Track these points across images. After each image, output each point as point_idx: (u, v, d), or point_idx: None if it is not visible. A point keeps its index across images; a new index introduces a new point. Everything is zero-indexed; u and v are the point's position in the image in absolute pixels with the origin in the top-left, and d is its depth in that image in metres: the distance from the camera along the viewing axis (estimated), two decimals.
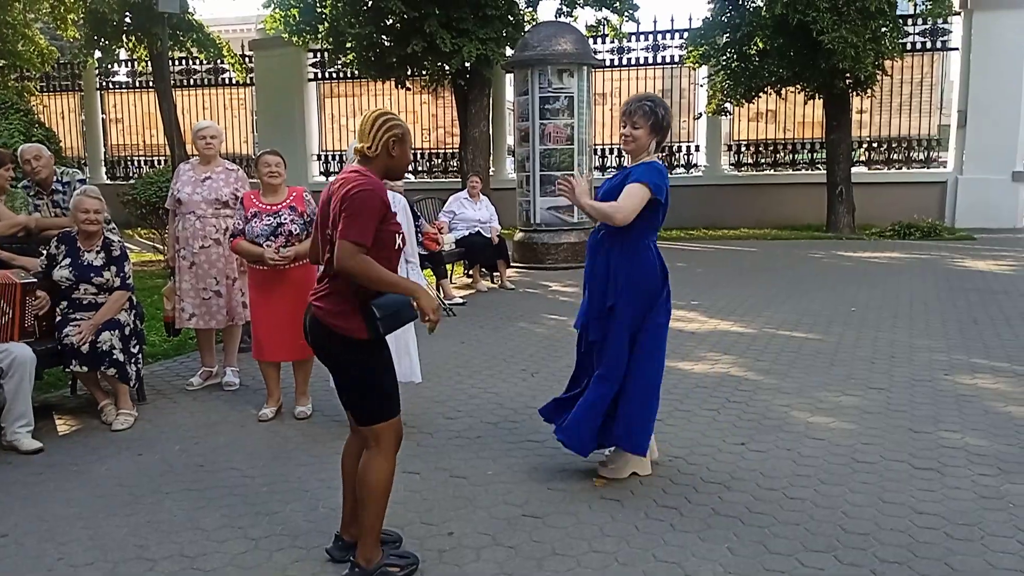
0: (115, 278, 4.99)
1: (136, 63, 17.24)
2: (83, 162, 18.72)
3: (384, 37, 13.93)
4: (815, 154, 15.71)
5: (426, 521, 3.52)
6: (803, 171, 15.77)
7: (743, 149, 16.28)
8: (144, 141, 18.86)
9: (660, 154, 3.90)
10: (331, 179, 3.06)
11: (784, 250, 12.42)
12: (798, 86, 13.74)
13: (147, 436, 4.72)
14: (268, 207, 4.91)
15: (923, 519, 3.42)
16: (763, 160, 16.16)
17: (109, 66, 17.86)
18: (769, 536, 3.32)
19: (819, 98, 13.90)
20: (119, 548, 3.34)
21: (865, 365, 5.83)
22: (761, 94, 14.04)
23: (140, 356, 5.15)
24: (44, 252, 5.05)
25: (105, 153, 19.11)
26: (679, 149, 16.40)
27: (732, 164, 16.33)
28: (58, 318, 4.91)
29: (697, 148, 16.45)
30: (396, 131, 2.93)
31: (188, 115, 17.46)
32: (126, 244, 5.26)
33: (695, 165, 16.40)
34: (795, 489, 3.76)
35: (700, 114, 15.46)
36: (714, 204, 15.54)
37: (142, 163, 18.64)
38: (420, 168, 17.44)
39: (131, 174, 18.24)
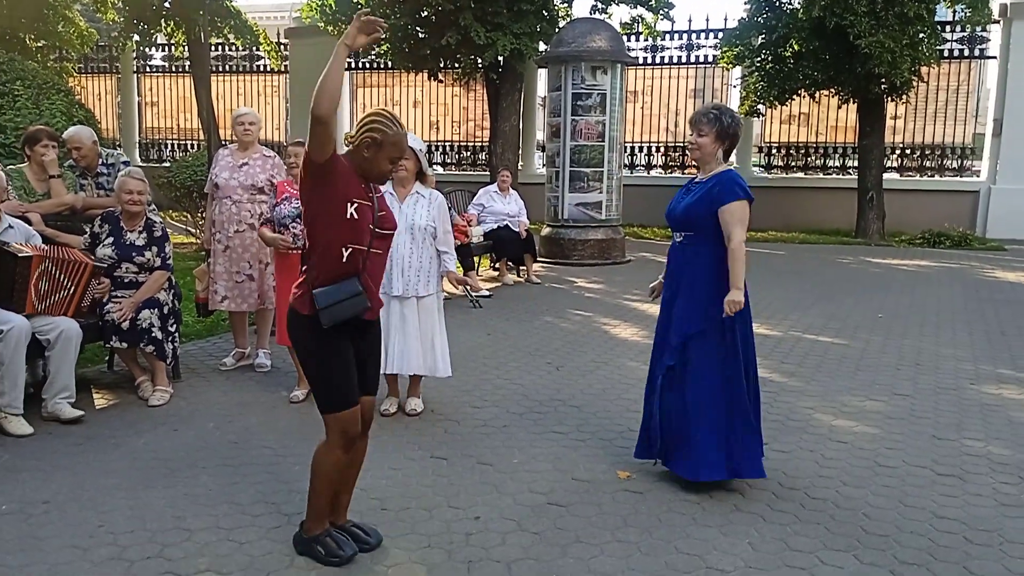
0: (156, 258, 5.12)
1: (173, 48, 17.44)
2: (118, 143, 18.97)
3: (419, 29, 14.03)
4: (847, 159, 15.61)
5: (453, 505, 3.61)
6: (834, 175, 15.69)
7: (774, 151, 16.21)
8: (178, 125, 19.11)
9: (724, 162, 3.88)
10: None
11: (812, 254, 12.39)
12: (832, 89, 13.65)
13: (182, 412, 4.85)
14: (297, 193, 5.02)
15: (943, 523, 3.46)
16: (794, 163, 16.08)
17: (146, 50, 18.09)
18: (790, 534, 3.37)
19: (853, 102, 13.81)
20: (158, 518, 3.46)
21: (890, 371, 5.84)
22: (795, 96, 13.97)
23: (177, 335, 5.28)
24: (88, 231, 5.19)
25: (140, 135, 19.38)
26: None
27: (762, 166, 16.27)
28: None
29: None
30: (375, 134, 2.88)
31: (222, 101, 17.67)
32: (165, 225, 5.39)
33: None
34: (817, 489, 3.81)
35: None
36: None
37: (176, 147, 18.90)
38: (449, 160, 17.54)
39: (164, 157, 18.50)
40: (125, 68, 19.06)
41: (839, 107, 14.51)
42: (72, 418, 4.57)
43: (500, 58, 13.67)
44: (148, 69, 19.22)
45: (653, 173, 16.60)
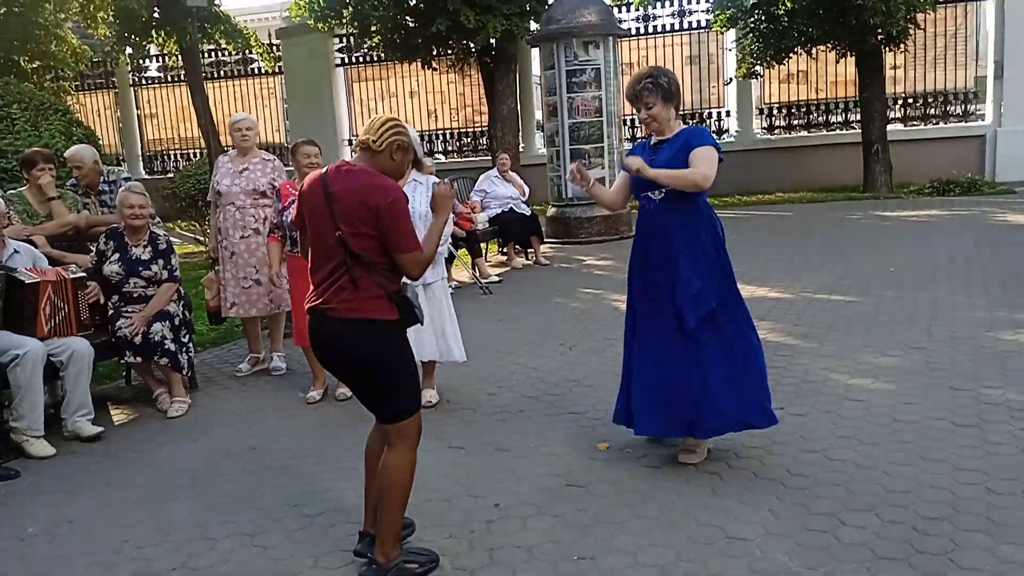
0: (162, 271, 5.15)
1: (167, 58, 17.45)
2: (121, 158, 19.04)
3: (408, 18, 13.96)
4: (849, 113, 15.45)
5: (472, 493, 3.63)
6: (837, 131, 15.50)
7: (775, 112, 16.05)
8: (179, 135, 19.12)
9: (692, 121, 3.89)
10: (314, 172, 3.02)
11: (820, 213, 12.29)
12: (828, 44, 13.48)
13: (201, 422, 4.89)
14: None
15: (964, 475, 3.44)
16: (796, 122, 15.91)
17: (141, 62, 18.08)
18: (810, 497, 3.37)
19: (851, 56, 13.63)
20: (181, 529, 3.50)
21: (904, 325, 5.80)
22: (791, 55, 13.81)
23: (190, 345, 5.32)
24: (93, 249, 5.23)
25: (142, 148, 19.43)
26: (709, 116, 16.23)
27: (764, 128, 16.12)
28: (110, 312, 5.09)
29: (728, 114, 16.26)
30: (402, 138, 2.97)
31: (220, 107, 17.68)
32: (170, 237, 5.42)
33: (726, 131, 16.23)
34: (835, 451, 3.80)
35: (730, 79, 15.27)
36: (747, 169, 15.33)
37: (178, 156, 18.93)
38: (450, 148, 17.49)
39: (168, 168, 18.53)
40: (121, 82, 19.08)
41: (837, 62, 14.33)
42: (92, 435, 4.62)
43: (492, 41, 13.60)
44: (144, 81, 19.23)
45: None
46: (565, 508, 3.43)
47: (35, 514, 3.74)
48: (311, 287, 3.00)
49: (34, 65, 16.46)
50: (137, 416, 5.11)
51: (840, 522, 3.15)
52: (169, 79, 18.85)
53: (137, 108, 19.33)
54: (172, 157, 19.11)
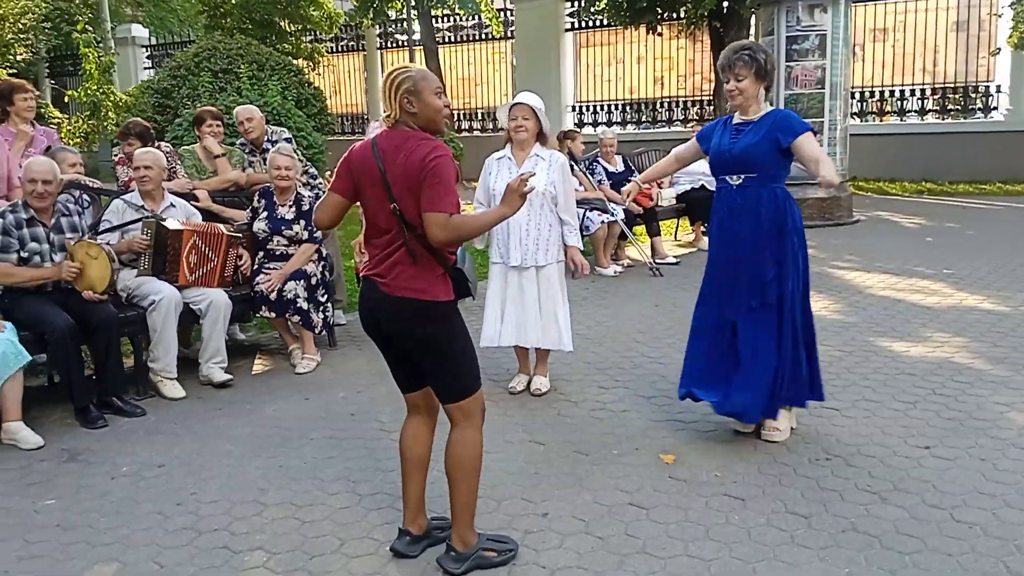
0: (303, 231, 5.31)
1: (405, 23, 18.19)
2: (365, 117, 20.30)
3: None
4: None
5: (527, 497, 3.38)
6: None
7: None
8: None
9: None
10: (358, 142, 2.87)
11: None
12: None
13: (321, 381, 5.01)
14: None
15: None
16: None
17: (383, 27, 19.02)
18: (906, 566, 2.76)
19: None
20: (244, 489, 3.57)
21: None
22: None
23: (329, 305, 5.45)
24: (250, 205, 5.50)
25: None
26: (975, 90, 14.21)
27: None
28: (255, 267, 5.34)
29: (998, 89, 14.14)
30: (406, 84, 2.70)
31: (454, 71, 18.28)
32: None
33: (994, 108, 14.14)
34: (966, 510, 3.10)
35: (998, 49, 13.22)
36: (1015, 154, 13.32)
37: None
38: (676, 117, 16.79)
39: None
40: (369, 46, 20.24)
41: None
42: (222, 381, 4.89)
43: (723, 3, 12.76)
44: (389, 44, 20.27)
45: (908, 120, 14.73)
46: (614, 531, 3.09)
47: (138, 453, 3.99)
48: (368, 257, 2.91)
49: (294, 28, 17.89)
50: (272, 368, 5.35)
51: None
52: (411, 43, 19.71)
53: (382, 71, 20.43)
54: None
